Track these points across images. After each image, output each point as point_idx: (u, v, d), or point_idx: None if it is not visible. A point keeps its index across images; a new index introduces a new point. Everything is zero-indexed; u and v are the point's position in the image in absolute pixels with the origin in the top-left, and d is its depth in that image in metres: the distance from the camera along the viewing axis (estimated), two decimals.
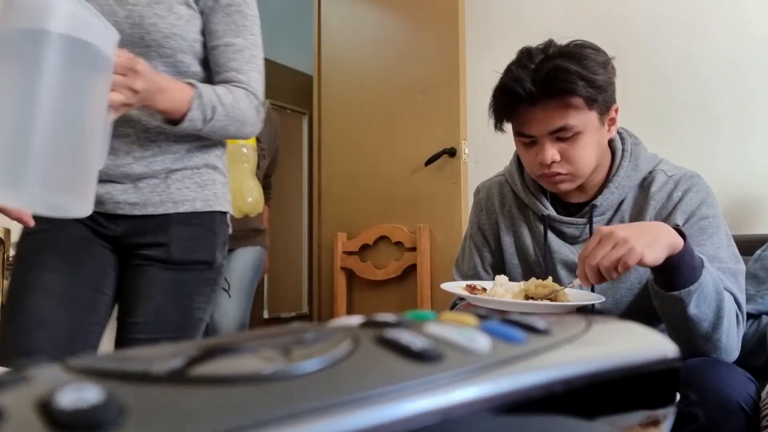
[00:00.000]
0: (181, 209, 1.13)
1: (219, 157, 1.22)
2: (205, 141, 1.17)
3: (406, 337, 0.18)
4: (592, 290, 1.08)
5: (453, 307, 1.22)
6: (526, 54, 1.04)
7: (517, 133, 1.07)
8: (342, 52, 2.98)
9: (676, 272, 0.90)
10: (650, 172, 1.11)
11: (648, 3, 2.24)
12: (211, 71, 1.15)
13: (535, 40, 1.07)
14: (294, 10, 3.77)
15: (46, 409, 0.14)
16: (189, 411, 0.14)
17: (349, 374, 0.16)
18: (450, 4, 2.63)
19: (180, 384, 0.15)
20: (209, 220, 1.17)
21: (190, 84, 1.05)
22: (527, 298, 1.00)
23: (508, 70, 1.05)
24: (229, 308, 2.27)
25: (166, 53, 1.09)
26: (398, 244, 2.69)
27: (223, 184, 1.22)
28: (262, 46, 1.18)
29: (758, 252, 1.46)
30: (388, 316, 0.22)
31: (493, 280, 1.18)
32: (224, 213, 1.20)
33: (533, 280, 1.02)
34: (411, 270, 2.65)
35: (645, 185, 1.10)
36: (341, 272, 2.81)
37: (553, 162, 1.03)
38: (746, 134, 2.02)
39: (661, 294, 0.92)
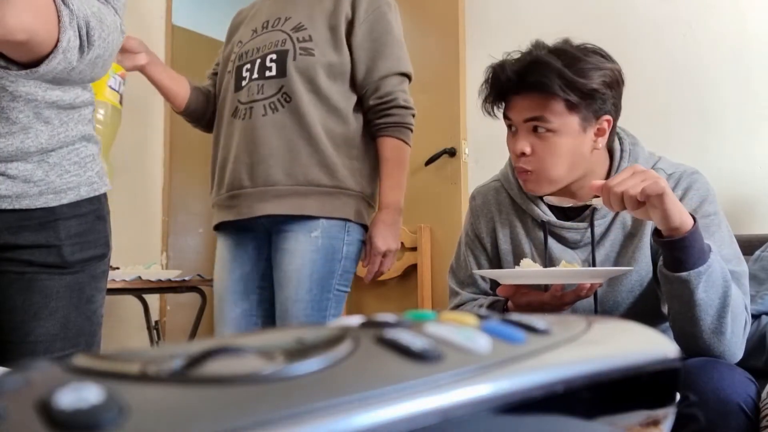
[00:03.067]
0: (65, 200, 0.94)
1: (90, 120, 0.99)
2: (73, 96, 0.92)
3: (406, 337, 0.18)
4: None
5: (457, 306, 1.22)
6: (531, 45, 1.06)
7: (504, 116, 1.10)
8: None
9: (687, 251, 0.89)
10: None
11: (647, 3, 2.24)
12: None
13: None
14: None
15: (46, 409, 0.14)
16: (189, 411, 0.14)
17: (349, 374, 0.16)
18: (450, 4, 2.63)
19: (180, 384, 0.15)
20: (97, 206, 1.00)
21: None
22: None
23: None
24: None
25: None
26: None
27: (99, 155, 1.02)
28: None
29: (758, 252, 1.46)
30: (388, 316, 0.22)
31: (490, 287, 1.18)
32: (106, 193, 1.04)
33: (563, 263, 1.04)
34: (411, 270, 2.66)
35: None
36: None
37: (523, 154, 1.05)
38: (746, 134, 2.02)
39: (671, 277, 0.92)
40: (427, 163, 2.62)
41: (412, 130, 1.46)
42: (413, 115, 1.46)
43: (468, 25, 2.65)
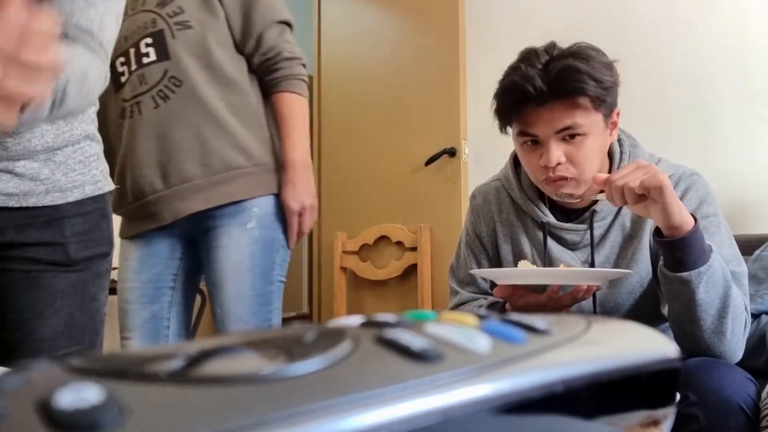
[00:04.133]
0: (71, 198, 0.96)
1: (93, 120, 1.02)
2: None
3: (406, 337, 0.18)
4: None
5: (456, 306, 1.22)
6: (531, 54, 1.02)
7: (520, 134, 1.05)
8: (342, 53, 2.99)
9: (687, 251, 0.89)
10: None
11: (648, 3, 2.24)
12: None
13: (534, 41, 1.06)
14: (293, 11, 3.76)
15: (46, 409, 0.14)
16: (189, 411, 0.14)
17: (349, 374, 0.16)
18: (450, 4, 2.63)
19: (180, 384, 0.15)
20: (101, 204, 1.01)
21: None
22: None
23: (515, 69, 1.02)
24: None
25: None
26: (399, 243, 2.69)
27: (102, 154, 1.04)
28: None
29: (757, 252, 1.46)
30: (388, 316, 0.22)
31: (489, 287, 1.18)
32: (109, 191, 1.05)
33: (562, 265, 1.04)
34: (411, 270, 2.66)
35: None
36: (341, 272, 2.81)
37: (558, 164, 1.01)
38: (746, 134, 2.03)
39: (671, 277, 0.92)
40: (427, 163, 2.62)
41: (305, 81, 1.36)
42: (303, 65, 1.36)
43: (468, 25, 2.65)
